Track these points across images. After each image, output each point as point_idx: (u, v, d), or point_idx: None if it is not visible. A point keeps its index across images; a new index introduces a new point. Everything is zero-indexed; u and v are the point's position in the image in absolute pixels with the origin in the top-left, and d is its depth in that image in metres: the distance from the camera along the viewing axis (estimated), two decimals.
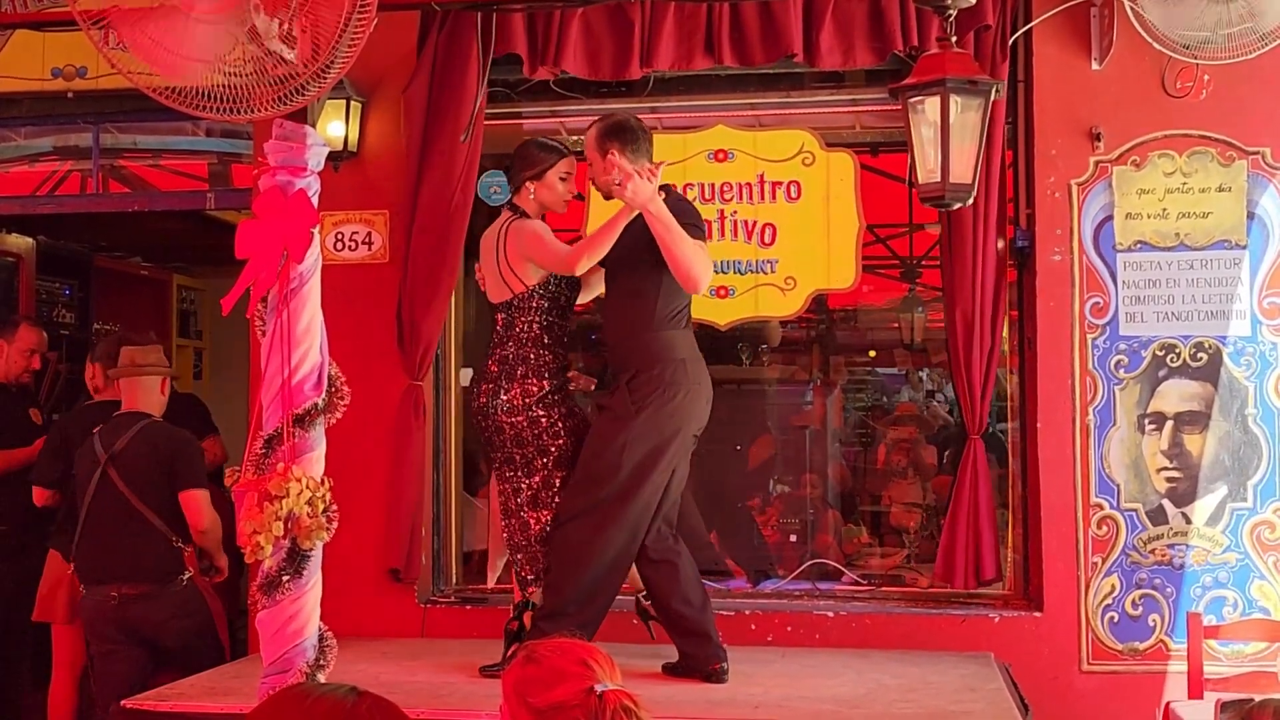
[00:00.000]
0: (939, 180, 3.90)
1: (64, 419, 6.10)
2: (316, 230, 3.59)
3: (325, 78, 3.41)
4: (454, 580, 5.70)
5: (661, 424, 4.49)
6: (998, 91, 4.30)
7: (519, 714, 2.41)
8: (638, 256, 4.51)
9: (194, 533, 5.32)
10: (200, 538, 5.35)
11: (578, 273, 4.58)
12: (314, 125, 3.68)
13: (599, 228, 4.57)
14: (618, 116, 4.72)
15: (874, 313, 8.26)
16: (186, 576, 5.33)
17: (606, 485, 4.47)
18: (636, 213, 4.40)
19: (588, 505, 4.49)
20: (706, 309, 5.53)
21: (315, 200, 3.60)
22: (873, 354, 8.72)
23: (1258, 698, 3.02)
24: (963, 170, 3.91)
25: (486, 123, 5.45)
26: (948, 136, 3.84)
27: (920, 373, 8.35)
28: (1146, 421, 5.11)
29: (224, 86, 3.41)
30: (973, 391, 5.17)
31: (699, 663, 4.50)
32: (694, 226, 4.51)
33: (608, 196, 4.69)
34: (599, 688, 2.37)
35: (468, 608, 5.53)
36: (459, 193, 5.39)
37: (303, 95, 3.42)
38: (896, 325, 8.12)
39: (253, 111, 3.44)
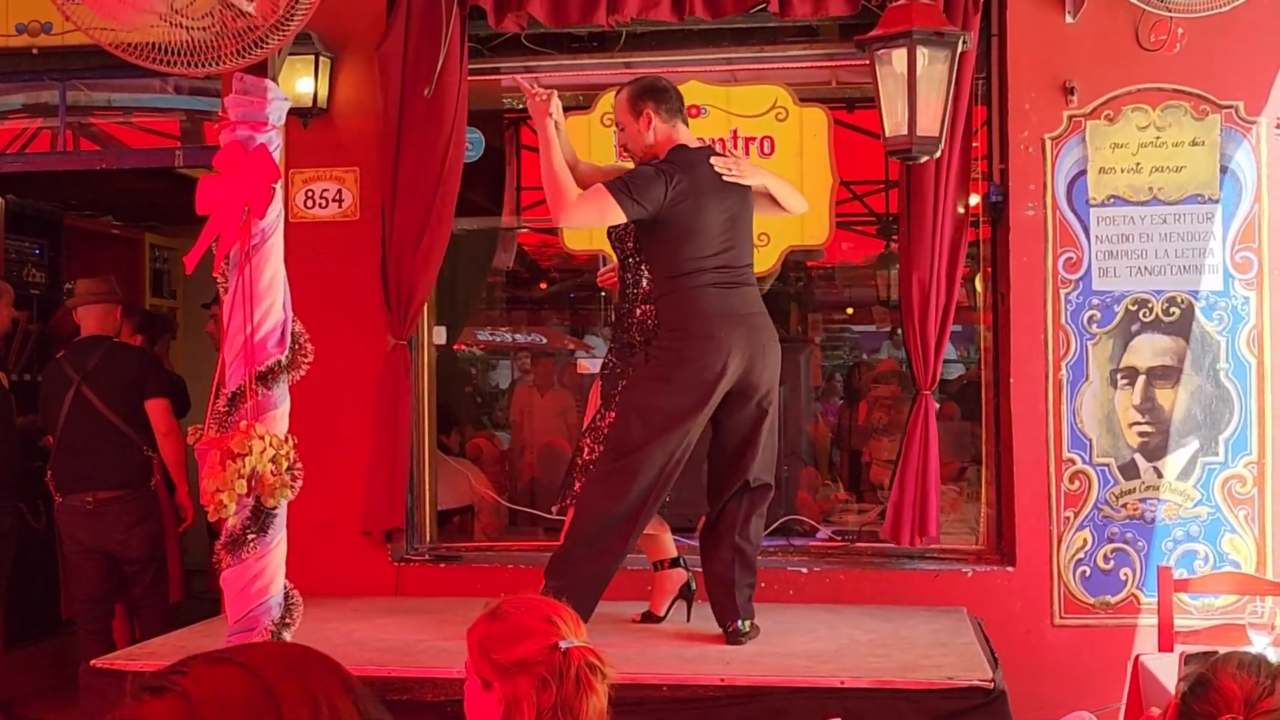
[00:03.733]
0: (906, 133, 3.88)
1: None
2: (278, 185, 3.55)
3: (285, 29, 3.37)
4: (428, 539, 5.68)
5: (672, 387, 4.30)
6: (965, 43, 4.25)
7: (484, 670, 2.41)
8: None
9: (158, 436, 5.76)
10: (163, 440, 5.77)
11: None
12: (276, 79, 3.63)
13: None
14: (647, 78, 4.54)
15: (851, 270, 8.25)
16: (153, 482, 5.82)
17: (624, 456, 4.28)
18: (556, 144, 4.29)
19: (605, 471, 4.32)
20: None
21: (277, 155, 3.56)
22: (850, 311, 8.73)
23: (1223, 650, 3.03)
24: (930, 123, 3.89)
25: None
26: (914, 89, 3.81)
27: (899, 330, 8.36)
28: (1119, 376, 5.11)
29: (183, 41, 3.37)
30: (925, 347, 5.13)
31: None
32: (623, 184, 4.21)
33: (637, 160, 4.48)
34: (564, 644, 2.37)
35: (441, 565, 5.51)
36: (451, 151, 5.27)
37: (263, 48, 3.38)
38: (873, 282, 8.12)
39: (213, 65, 3.40)
